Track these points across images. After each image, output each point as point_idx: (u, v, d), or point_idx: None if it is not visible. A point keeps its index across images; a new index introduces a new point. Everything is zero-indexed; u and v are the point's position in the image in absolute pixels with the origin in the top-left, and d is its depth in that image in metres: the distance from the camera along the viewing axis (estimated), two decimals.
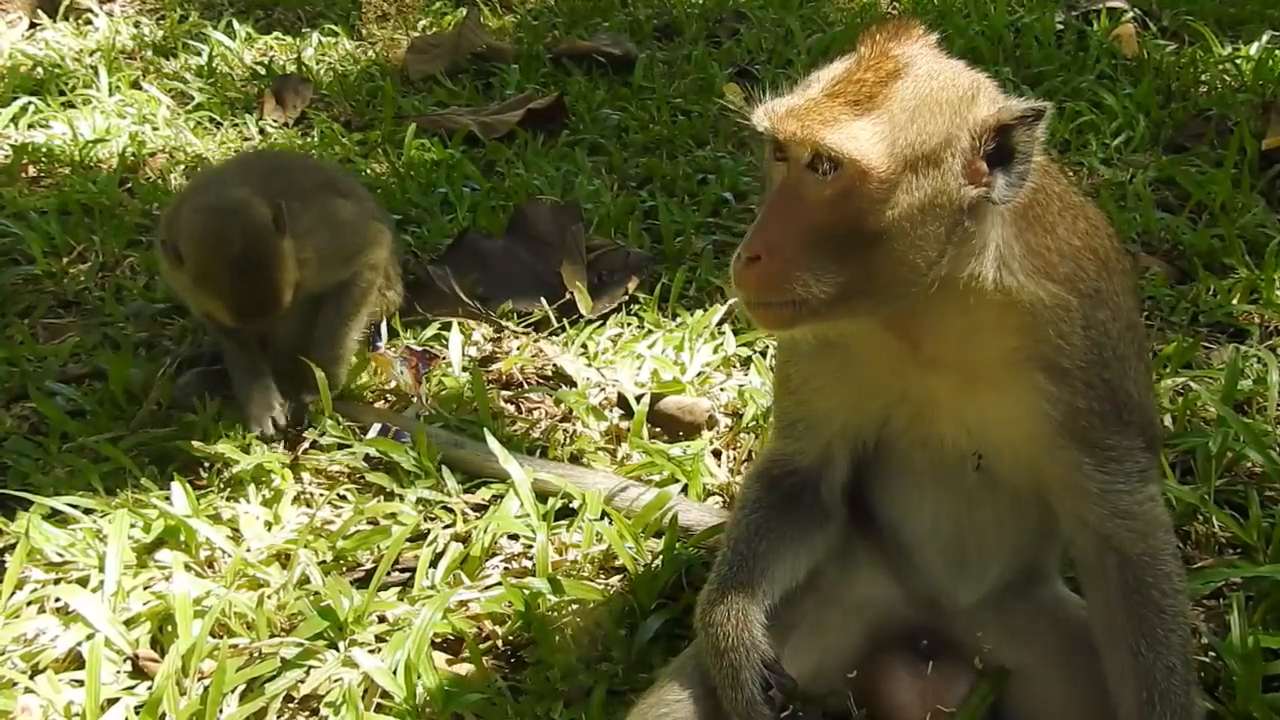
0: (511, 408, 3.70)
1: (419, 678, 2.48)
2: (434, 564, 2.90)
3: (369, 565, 2.97)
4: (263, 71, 6.57)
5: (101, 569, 2.83)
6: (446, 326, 4.05)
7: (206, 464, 3.35)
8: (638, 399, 3.55)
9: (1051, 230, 2.05)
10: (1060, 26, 6.27)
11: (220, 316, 3.53)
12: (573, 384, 3.75)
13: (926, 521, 2.33)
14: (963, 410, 2.13)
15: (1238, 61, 5.74)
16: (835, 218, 1.87)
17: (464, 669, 2.61)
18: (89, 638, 2.65)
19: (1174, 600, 2.16)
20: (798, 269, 1.87)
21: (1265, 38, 5.88)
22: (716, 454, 3.40)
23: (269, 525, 3.10)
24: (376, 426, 3.46)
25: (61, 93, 6.35)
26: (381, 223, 4.03)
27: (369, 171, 5.30)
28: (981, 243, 1.94)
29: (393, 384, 3.79)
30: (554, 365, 3.86)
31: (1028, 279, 2.00)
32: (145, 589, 2.86)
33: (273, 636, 2.68)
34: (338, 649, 2.63)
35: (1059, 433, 2.08)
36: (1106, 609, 2.20)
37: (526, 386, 3.80)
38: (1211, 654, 2.53)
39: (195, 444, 3.37)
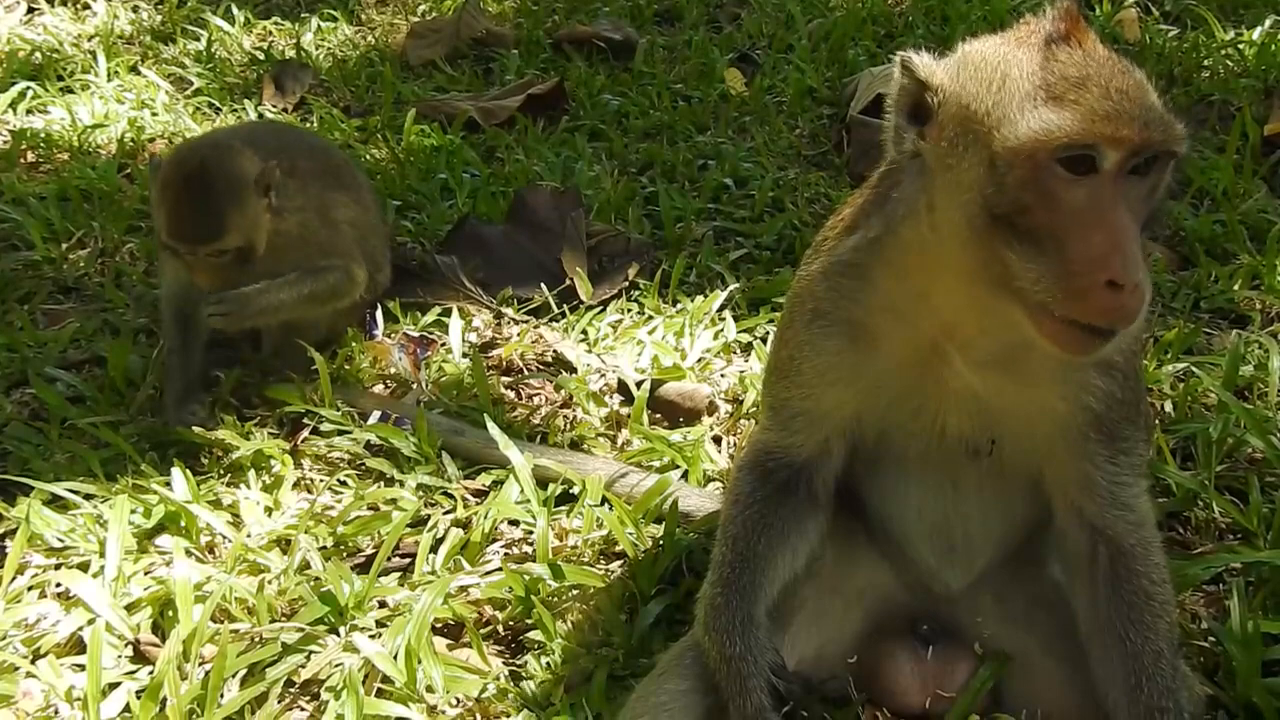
0: (511, 394, 3.70)
1: (419, 663, 2.48)
2: (434, 549, 2.90)
3: (369, 551, 2.97)
4: (262, 57, 6.55)
5: (102, 554, 2.84)
6: (446, 312, 4.05)
7: (206, 450, 3.35)
8: (638, 385, 3.55)
9: None
10: None
11: (160, 232, 3.51)
12: (573, 370, 3.74)
13: (913, 508, 2.34)
14: (990, 404, 2.12)
15: (1240, 46, 5.72)
16: (1143, 214, 1.84)
17: (464, 654, 2.61)
18: (90, 623, 2.66)
19: (1162, 589, 2.18)
20: (1148, 280, 1.80)
21: (1268, 22, 5.86)
22: (717, 440, 3.40)
23: (269, 511, 3.10)
24: (376, 413, 3.46)
25: (60, 78, 6.33)
26: (362, 266, 3.88)
27: (369, 157, 5.29)
28: None
29: (392, 370, 3.78)
30: (554, 351, 3.86)
31: None
32: (146, 574, 2.86)
33: (273, 621, 2.68)
34: (338, 634, 2.63)
35: (1092, 425, 2.09)
36: (1093, 597, 2.21)
37: (526, 373, 3.80)
38: (1211, 639, 2.53)
39: (195, 430, 3.37)
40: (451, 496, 3.13)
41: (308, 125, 5.70)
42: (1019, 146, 1.77)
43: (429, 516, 3.03)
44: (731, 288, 4.08)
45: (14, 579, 2.81)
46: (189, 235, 3.46)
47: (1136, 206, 1.81)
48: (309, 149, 4.11)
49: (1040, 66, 1.82)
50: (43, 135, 5.58)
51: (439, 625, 2.69)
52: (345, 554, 2.97)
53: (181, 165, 3.48)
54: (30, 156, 5.47)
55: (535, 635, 2.64)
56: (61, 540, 2.94)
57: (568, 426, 3.47)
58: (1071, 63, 1.82)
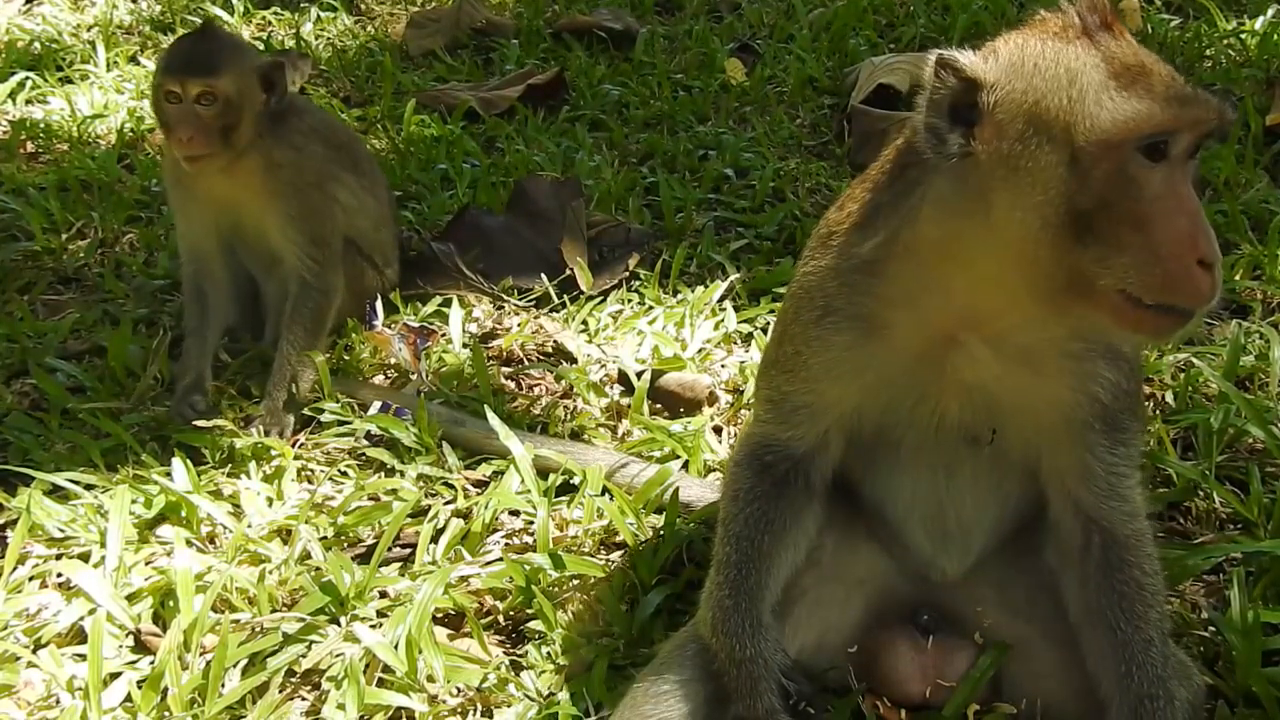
0: (512, 384, 3.70)
1: (420, 653, 2.49)
2: (435, 540, 2.90)
3: (370, 541, 2.97)
4: (261, 46, 6.53)
5: (103, 544, 2.84)
6: (446, 303, 4.05)
7: (207, 440, 3.35)
8: (638, 375, 3.55)
9: None
10: None
11: (155, 80, 3.57)
12: (573, 360, 3.74)
13: (906, 494, 2.33)
14: (997, 394, 2.12)
15: (1242, 36, 5.70)
16: None
17: (465, 644, 2.61)
18: (91, 613, 2.66)
19: (1154, 580, 2.20)
20: None
21: (1270, 12, 5.85)
22: (717, 430, 3.40)
23: (270, 501, 3.10)
24: (377, 403, 3.46)
25: (59, 68, 6.32)
26: (339, 272, 3.84)
27: (369, 147, 5.27)
28: None
29: (393, 361, 3.78)
30: (554, 342, 3.85)
31: None
32: (147, 564, 2.86)
33: (274, 612, 2.69)
34: (339, 624, 2.63)
35: (1097, 415, 2.09)
36: (1085, 587, 2.22)
37: (527, 363, 3.80)
38: (1211, 629, 2.53)
39: (196, 421, 3.37)
40: (452, 487, 3.13)
41: None
42: (1107, 138, 1.78)
43: (429, 507, 3.04)
44: (732, 278, 4.07)
45: (15, 569, 2.82)
46: (184, 66, 3.50)
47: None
48: (332, 125, 4.16)
49: (1100, 59, 1.84)
50: (42, 125, 5.57)
51: (440, 615, 2.69)
52: (346, 544, 2.97)
53: (192, 28, 3.67)
54: (30, 147, 5.47)
55: (536, 625, 2.64)
56: (62, 530, 2.94)
57: (568, 417, 3.47)
58: (1124, 53, 1.85)
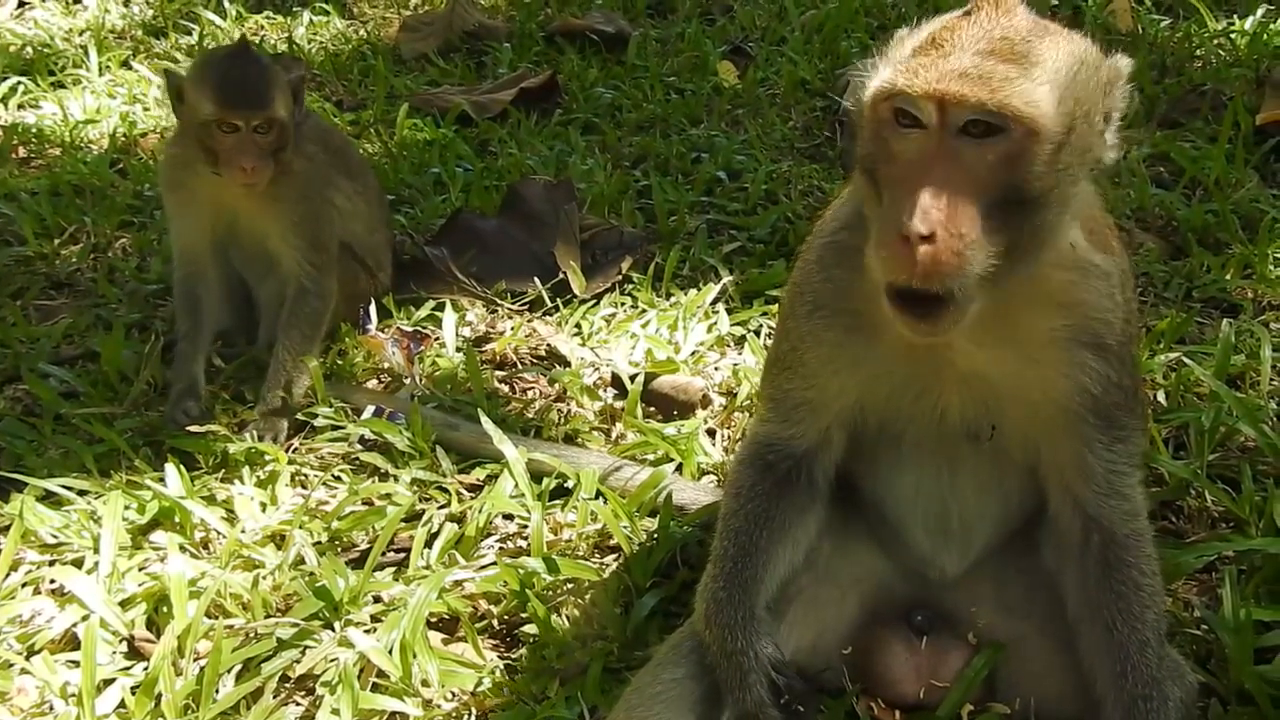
0: (505, 388, 3.69)
1: (414, 657, 2.49)
2: (429, 544, 2.90)
3: (364, 545, 2.97)
4: None
5: (96, 550, 2.84)
6: (440, 307, 4.05)
7: (201, 445, 3.34)
8: (632, 378, 3.55)
9: (1094, 203, 2.10)
10: (1055, 1, 6.25)
11: (205, 110, 3.45)
12: (567, 364, 3.74)
13: (908, 492, 2.34)
14: (993, 386, 2.13)
15: (1232, 35, 5.73)
16: (998, 183, 1.79)
17: (459, 648, 2.61)
18: (84, 619, 2.65)
19: (1152, 581, 2.20)
20: (969, 245, 1.75)
21: (1260, 12, 5.87)
22: (711, 433, 3.40)
23: (264, 506, 3.09)
24: (371, 408, 3.46)
25: (51, 73, 6.31)
26: (333, 276, 3.82)
27: (362, 151, 5.28)
28: (1077, 208, 1.96)
29: (386, 365, 3.78)
30: (548, 345, 3.86)
31: (1091, 249, 2.04)
32: (140, 570, 2.86)
33: (268, 617, 2.69)
34: (333, 629, 2.63)
35: (1090, 409, 2.10)
36: (1084, 586, 2.22)
37: (520, 366, 3.80)
38: (1204, 627, 2.54)
39: (189, 426, 3.37)
40: (446, 491, 3.13)
41: None
42: (863, 100, 1.89)
43: (423, 511, 3.03)
44: (725, 281, 4.08)
45: (8, 575, 2.81)
46: (241, 99, 3.46)
47: (979, 173, 1.79)
48: (328, 130, 4.16)
49: (936, 31, 1.89)
50: (34, 130, 5.57)
51: (434, 619, 2.69)
52: (340, 549, 2.97)
53: (223, 48, 3.75)
54: (22, 152, 5.46)
55: (530, 629, 2.64)
56: (55, 536, 2.94)
57: (562, 420, 3.47)
58: (952, 29, 1.87)
